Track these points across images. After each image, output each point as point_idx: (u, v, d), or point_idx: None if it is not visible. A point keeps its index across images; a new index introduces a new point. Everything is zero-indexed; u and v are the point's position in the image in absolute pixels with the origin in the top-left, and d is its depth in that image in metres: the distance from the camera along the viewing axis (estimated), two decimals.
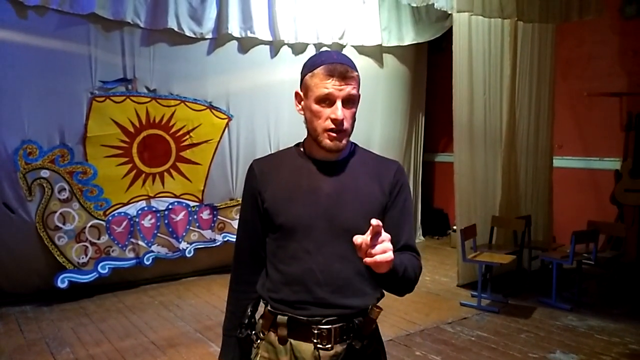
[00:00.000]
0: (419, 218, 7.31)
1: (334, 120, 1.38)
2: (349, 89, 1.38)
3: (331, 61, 1.39)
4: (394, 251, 1.24)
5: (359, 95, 1.45)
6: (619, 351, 3.71)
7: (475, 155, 5.21)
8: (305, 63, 1.45)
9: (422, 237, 7.32)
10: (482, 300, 4.65)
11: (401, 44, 6.41)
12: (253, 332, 1.51)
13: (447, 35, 5.82)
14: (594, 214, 5.51)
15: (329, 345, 1.40)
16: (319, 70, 1.39)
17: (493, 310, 4.53)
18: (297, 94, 1.47)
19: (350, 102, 1.40)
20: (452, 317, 4.39)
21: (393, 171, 1.51)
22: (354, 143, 1.55)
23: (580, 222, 5.10)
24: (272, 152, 5.73)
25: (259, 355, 1.48)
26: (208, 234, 5.47)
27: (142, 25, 4.82)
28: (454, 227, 5.92)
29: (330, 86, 1.37)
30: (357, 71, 1.43)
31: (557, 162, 5.85)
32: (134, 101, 4.93)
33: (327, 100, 1.38)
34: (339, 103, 1.37)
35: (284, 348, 1.43)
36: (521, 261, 5.20)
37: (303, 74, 1.44)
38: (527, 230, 5.10)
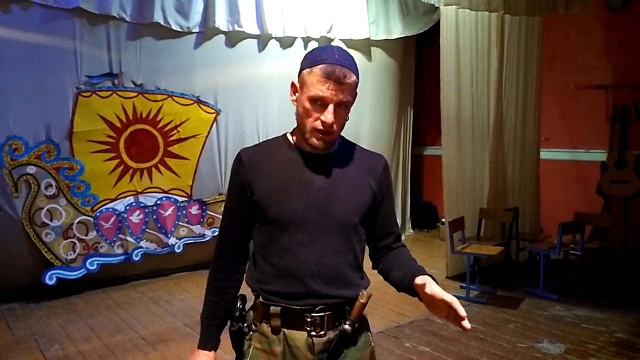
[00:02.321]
0: (408, 211, 7.34)
1: (323, 123, 1.38)
2: (342, 96, 1.37)
3: (332, 61, 1.36)
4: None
5: (355, 97, 1.45)
6: (605, 340, 3.76)
7: (463, 148, 5.24)
8: (307, 55, 1.44)
9: (411, 230, 7.37)
10: (470, 292, 4.68)
11: (389, 38, 6.42)
12: (245, 324, 1.52)
13: (435, 29, 5.82)
14: (580, 205, 5.57)
15: (322, 332, 1.43)
16: (318, 70, 1.36)
17: (481, 301, 4.57)
18: (293, 84, 1.46)
19: (343, 106, 1.40)
20: None
21: (381, 166, 1.55)
22: (341, 136, 1.55)
23: (567, 213, 5.16)
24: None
25: (252, 347, 1.49)
26: (197, 229, 5.46)
27: (127, 19, 4.77)
28: (443, 220, 5.95)
29: (325, 89, 1.36)
30: (356, 74, 1.41)
31: (544, 154, 5.91)
32: (120, 96, 4.88)
33: (319, 101, 1.38)
34: (331, 107, 1.37)
35: (277, 338, 1.45)
36: (509, 252, 5.25)
37: (302, 67, 1.42)
38: (514, 222, 5.14)
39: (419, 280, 1.36)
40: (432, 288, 1.33)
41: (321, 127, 1.39)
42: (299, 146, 1.49)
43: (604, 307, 4.41)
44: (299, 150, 1.48)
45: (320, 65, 1.36)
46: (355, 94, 1.45)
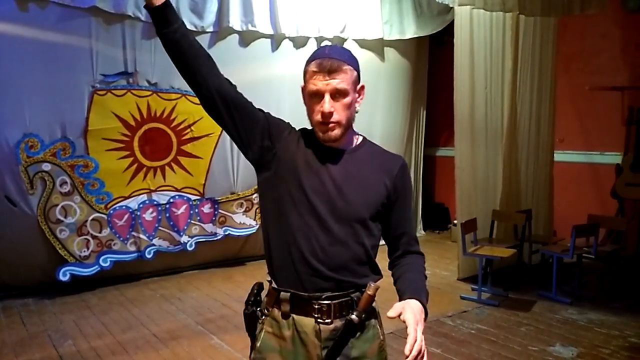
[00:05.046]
0: (420, 212, 7.32)
1: (322, 114, 1.44)
2: (335, 83, 1.43)
3: (322, 57, 1.45)
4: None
5: (356, 87, 1.49)
6: (618, 344, 3.72)
7: (476, 150, 5.21)
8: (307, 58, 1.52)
9: (422, 232, 7.34)
10: (482, 294, 4.66)
11: (402, 38, 6.39)
12: (258, 309, 1.59)
13: (449, 29, 5.80)
14: (594, 207, 5.52)
15: (329, 320, 1.47)
16: (310, 67, 1.46)
17: (493, 303, 4.54)
18: (301, 87, 1.53)
19: (340, 94, 1.45)
20: (452, 310, 4.40)
21: (398, 166, 1.56)
22: (363, 136, 1.60)
23: (580, 216, 5.10)
24: None
25: (263, 331, 1.55)
26: (209, 227, 5.49)
27: (143, 18, 4.81)
28: (455, 221, 5.93)
29: (317, 82, 1.44)
30: (350, 64, 1.46)
31: (558, 156, 5.85)
32: (135, 94, 4.93)
33: (317, 95, 1.45)
34: (326, 97, 1.43)
35: (287, 322, 1.51)
36: (521, 255, 5.21)
37: (303, 70, 1.51)
38: (527, 224, 5.11)
39: (397, 306, 1.37)
40: (405, 316, 1.34)
41: (321, 119, 1.45)
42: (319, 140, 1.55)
43: (617, 310, 4.36)
44: (319, 143, 1.53)
45: (312, 62, 1.46)
46: (356, 85, 1.49)
